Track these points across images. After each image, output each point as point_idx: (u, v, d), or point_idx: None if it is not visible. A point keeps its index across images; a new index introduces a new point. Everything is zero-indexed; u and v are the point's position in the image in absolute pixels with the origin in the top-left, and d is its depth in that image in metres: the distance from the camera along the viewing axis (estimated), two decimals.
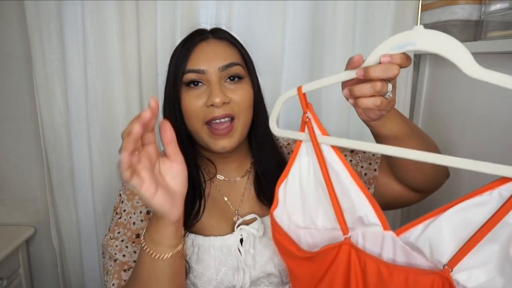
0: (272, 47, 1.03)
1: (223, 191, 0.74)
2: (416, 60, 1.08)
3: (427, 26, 0.97)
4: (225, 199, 0.74)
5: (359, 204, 0.51)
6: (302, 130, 0.55)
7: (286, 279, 0.69)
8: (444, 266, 0.45)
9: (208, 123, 0.66)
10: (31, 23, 0.96)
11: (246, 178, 0.76)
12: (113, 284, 0.64)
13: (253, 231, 0.67)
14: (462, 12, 0.87)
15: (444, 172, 0.65)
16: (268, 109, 0.77)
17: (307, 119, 0.53)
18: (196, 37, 0.68)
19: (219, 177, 0.75)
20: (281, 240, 0.58)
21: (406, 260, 0.48)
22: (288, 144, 0.82)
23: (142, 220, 0.68)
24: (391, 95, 0.48)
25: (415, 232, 0.47)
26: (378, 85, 0.45)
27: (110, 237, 0.68)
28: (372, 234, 0.50)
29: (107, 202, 1.04)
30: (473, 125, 0.85)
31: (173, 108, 0.68)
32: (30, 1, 0.94)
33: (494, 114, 0.80)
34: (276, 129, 0.60)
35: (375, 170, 0.72)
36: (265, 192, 0.73)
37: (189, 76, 0.66)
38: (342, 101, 1.03)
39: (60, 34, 0.97)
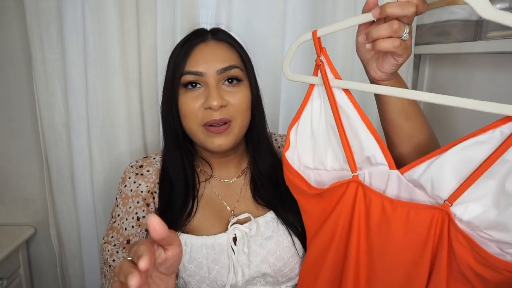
0: (272, 46, 1.02)
1: (219, 191, 0.75)
2: (416, 60, 1.08)
3: (427, 26, 0.97)
4: (221, 199, 0.74)
5: (367, 144, 0.52)
6: (316, 74, 0.56)
7: (282, 279, 0.70)
8: (444, 201, 0.46)
9: (205, 125, 0.66)
10: (31, 22, 0.96)
11: (242, 179, 0.77)
12: None
13: (246, 229, 0.68)
14: (462, 12, 0.87)
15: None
16: (266, 110, 0.77)
17: (321, 62, 0.54)
18: (196, 38, 0.68)
19: (216, 178, 0.76)
20: (292, 178, 0.60)
21: (409, 196, 0.50)
22: None
23: (133, 227, 0.69)
24: (408, 36, 0.47)
25: (419, 170, 0.49)
26: (395, 23, 0.45)
27: (105, 241, 0.69)
28: (379, 173, 0.52)
29: (106, 202, 1.04)
30: (473, 124, 0.85)
31: (170, 108, 0.69)
32: (30, 1, 0.94)
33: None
34: (289, 73, 0.61)
35: None
36: (261, 192, 0.74)
37: (187, 78, 0.66)
38: (346, 51, 1.00)
39: (60, 34, 0.97)
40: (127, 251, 0.67)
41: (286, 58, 0.60)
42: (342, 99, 0.54)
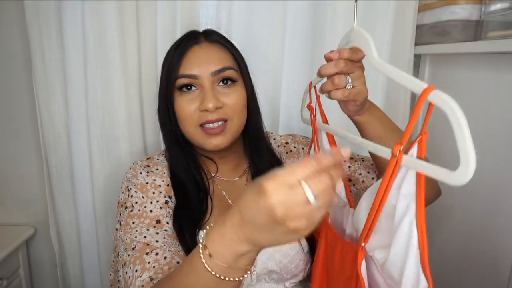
0: (272, 46, 1.02)
1: (224, 190, 0.76)
2: (416, 60, 1.08)
3: (427, 26, 0.97)
4: (227, 197, 0.75)
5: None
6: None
7: (287, 276, 0.70)
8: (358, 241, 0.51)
9: (202, 125, 0.67)
10: (31, 22, 0.95)
11: (244, 178, 0.78)
12: (136, 270, 0.59)
13: None
14: (462, 12, 0.87)
15: (435, 189, 0.68)
16: (266, 111, 0.77)
17: (311, 106, 0.65)
18: (189, 41, 0.69)
19: (219, 176, 0.76)
20: None
21: (355, 234, 0.56)
22: (287, 143, 0.84)
23: (161, 208, 0.67)
24: (351, 85, 0.54)
25: (356, 211, 0.54)
26: (335, 78, 0.53)
27: (126, 229, 0.65)
28: (340, 208, 0.61)
29: (106, 203, 1.04)
30: (473, 124, 0.85)
31: (167, 112, 0.69)
32: (30, 1, 0.94)
33: (494, 113, 0.80)
34: (303, 117, 0.71)
35: (373, 178, 0.73)
36: None
37: (182, 81, 0.66)
38: None
39: (59, 33, 0.96)
40: (160, 229, 0.64)
41: (301, 105, 0.70)
42: (325, 139, 0.62)
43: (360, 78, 0.54)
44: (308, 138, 0.85)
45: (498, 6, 0.80)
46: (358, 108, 0.58)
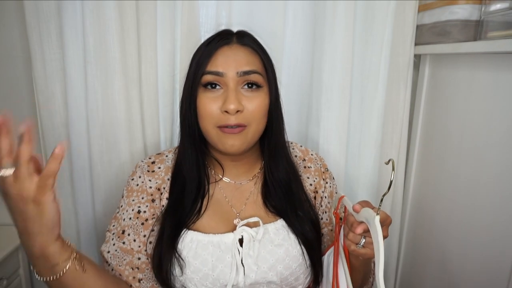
0: (272, 47, 1.02)
1: (227, 193, 0.75)
2: (416, 60, 1.08)
3: (427, 26, 0.97)
4: (228, 201, 0.74)
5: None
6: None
7: (285, 287, 0.70)
8: None
9: (220, 127, 0.67)
10: (31, 22, 0.95)
11: (253, 183, 0.77)
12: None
13: (253, 233, 0.68)
14: (462, 12, 0.87)
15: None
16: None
17: (337, 213, 0.72)
18: (220, 40, 0.69)
19: (225, 179, 0.76)
20: None
21: None
22: (304, 160, 0.83)
23: (130, 218, 0.71)
24: (361, 246, 0.60)
25: None
26: (349, 235, 0.61)
27: (108, 229, 0.73)
28: None
29: (106, 203, 1.04)
30: (472, 124, 0.85)
31: (189, 106, 0.70)
32: (30, 1, 0.94)
33: (494, 113, 0.80)
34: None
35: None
36: (273, 199, 0.74)
37: (207, 78, 0.67)
38: (342, 102, 1.03)
39: (59, 34, 0.96)
40: (121, 240, 0.70)
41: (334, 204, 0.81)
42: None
43: (370, 245, 0.59)
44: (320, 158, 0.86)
45: (498, 6, 0.80)
46: (358, 258, 0.65)
